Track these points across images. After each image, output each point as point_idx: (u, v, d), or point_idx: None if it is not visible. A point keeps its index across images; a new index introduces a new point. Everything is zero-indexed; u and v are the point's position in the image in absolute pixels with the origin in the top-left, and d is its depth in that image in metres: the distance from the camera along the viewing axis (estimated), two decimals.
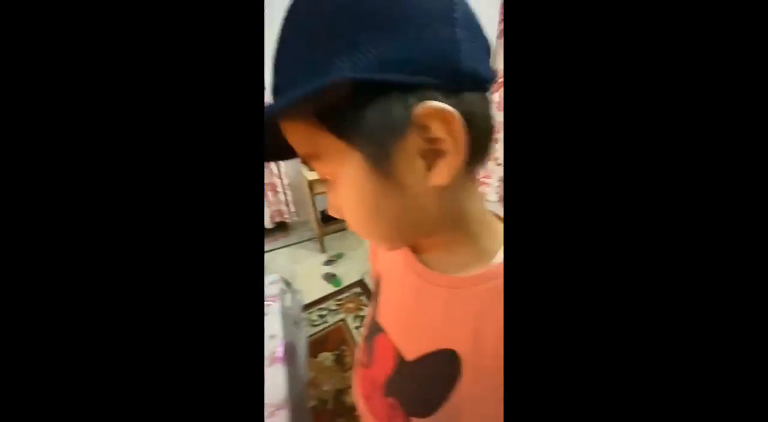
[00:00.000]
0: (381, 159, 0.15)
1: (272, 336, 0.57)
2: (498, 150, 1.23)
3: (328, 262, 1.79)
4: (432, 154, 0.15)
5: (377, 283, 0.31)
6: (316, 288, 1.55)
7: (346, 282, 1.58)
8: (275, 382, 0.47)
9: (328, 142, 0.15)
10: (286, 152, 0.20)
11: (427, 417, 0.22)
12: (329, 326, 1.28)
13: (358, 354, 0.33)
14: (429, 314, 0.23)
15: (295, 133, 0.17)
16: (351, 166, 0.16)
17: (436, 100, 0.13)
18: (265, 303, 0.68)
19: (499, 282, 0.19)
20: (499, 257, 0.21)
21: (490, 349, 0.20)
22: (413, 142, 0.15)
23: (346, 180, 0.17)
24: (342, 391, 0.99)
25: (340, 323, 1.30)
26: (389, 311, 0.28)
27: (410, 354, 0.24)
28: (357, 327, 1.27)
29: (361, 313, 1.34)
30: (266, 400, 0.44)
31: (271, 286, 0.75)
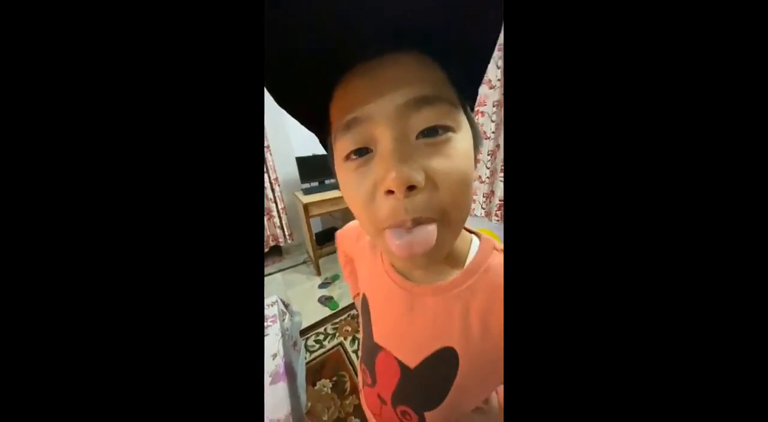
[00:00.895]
0: (476, 142, 0.19)
1: (274, 355, 0.58)
2: (479, 169, 1.33)
3: (324, 285, 1.78)
4: None
5: (365, 306, 0.32)
6: (312, 312, 1.53)
7: (342, 304, 1.56)
8: (278, 399, 0.48)
9: (458, 104, 0.17)
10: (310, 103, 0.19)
11: (438, 407, 0.25)
12: (327, 351, 1.25)
13: (361, 376, 0.34)
14: (423, 322, 0.25)
15: (428, 73, 0.16)
16: (467, 134, 0.18)
17: None
18: (266, 323, 0.69)
19: (473, 281, 0.24)
20: (469, 260, 0.25)
21: (476, 334, 0.23)
22: None
23: (463, 140, 0.17)
24: (342, 420, 0.94)
25: (338, 348, 1.27)
26: (385, 330, 0.29)
27: (413, 362, 0.26)
28: (355, 351, 1.24)
29: (359, 335, 1.32)
30: (270, 416, 0.44)
31: (270, 307, 0.76)
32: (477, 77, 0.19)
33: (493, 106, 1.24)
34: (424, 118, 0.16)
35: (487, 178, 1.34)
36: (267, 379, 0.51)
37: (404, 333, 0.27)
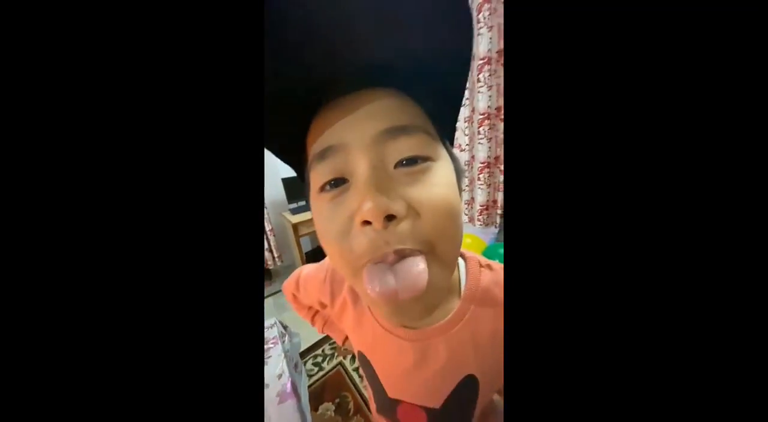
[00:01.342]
0: (458, 176, 0.19)
1: (279, 376, 0.58)
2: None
3: None
4: None
5: (365, 362, 0.31)
6: (308, 334, 1.48)
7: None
8: (288, 417, 0.48)
9: (436, 136, 0.17)
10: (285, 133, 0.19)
11: None
12: (327, 373, 1.22)
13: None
14: (438, 364, 0.25)
15: (406, 104, 0.16)
16: (448, 163, 0.17)
17: None
18: (268, 346, 0.69)
19: (474, 307, 0.24)
20: (462, 284, 0.25)
21: (489, 354, 0.24)
22: None
23: (444, 170, 0.17)
24: None
25: (338, 367, 1.24)
26: (399, 385, 0.28)
27: (437, 403, 0.26)
28: (355, 369, 1.22)
29: None
30: None
31: (269, 330, 0.76)
32: (452, 113, 0.19)
33: (465, 122, 1.37)
34: (402, 147, 0.15)
35: (467, 186, 1.44)
36: (275, 399, 0.52)
37: (421, 382, 0.26)
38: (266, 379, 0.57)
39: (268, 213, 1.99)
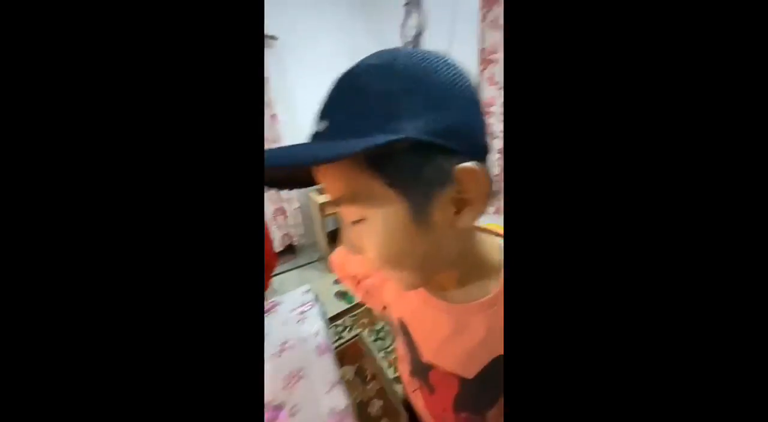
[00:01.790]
0: (422, 206, 0.18)
1: (317, 333, 0.65)
2: (492, 168, 1.40)
3: (338, 281, 1.85)
4: (460, 203, 0.19)
5: (404, 329, 0.33)
6: (329, 307, 1.60)
7: (358, 299, 1.63)
8: (328, 367, 0.55)
9: (375, 187, 0.18)
10: (301, 182, 0.24)
11: (497, 404, 0.29)
12: (346, 342, 1.32)
13: (413, 385, 0.36)
14: (475, 338, 0.26)
15: (336, 176, 0.19)
16: (391, 210, 0.18)
17: (468, 162, 0.17)
18: (304, 307, 0.77)
19: None
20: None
21: None
22: (449, 193, 0.18)
23: (382, 222, 0.19)
24: (365, 403, 1.01)
25: (357, 339, 1.34)
26: (435, 350, 0.31)
27: (470, 373, 0.28)
28: (374, 340, 1.31)
29: (377, 327, 1.39)
30: (325, 380, 0.52)
31: (306, 294, 0.83)
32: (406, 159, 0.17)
33: (501, 107, 1.31)
34: (347, 209, 0.20)
35: (495, 176, 1.40)
36: (315, 351, 0.59)
37: (457, 352, 0.28)
38: (305, 335, 0.65)
39: (294, 192, 2.08)
